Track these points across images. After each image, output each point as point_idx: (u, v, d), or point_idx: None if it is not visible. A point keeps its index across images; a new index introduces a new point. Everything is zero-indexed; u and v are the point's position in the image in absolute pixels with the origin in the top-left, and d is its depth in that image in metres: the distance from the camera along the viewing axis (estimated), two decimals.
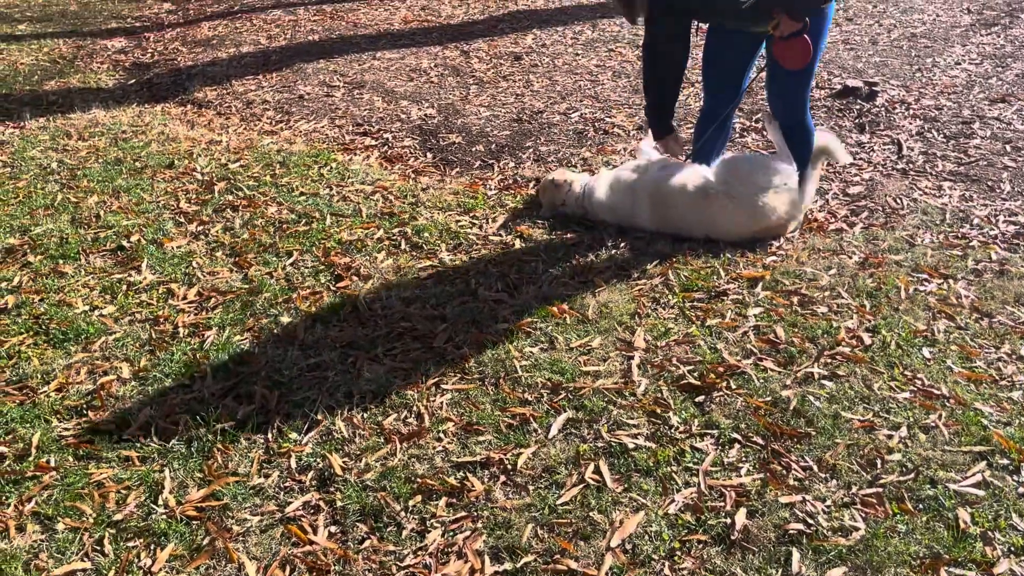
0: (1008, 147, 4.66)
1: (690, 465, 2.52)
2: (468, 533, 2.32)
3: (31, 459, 2.61)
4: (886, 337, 3.07)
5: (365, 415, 2.78)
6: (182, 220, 4.13)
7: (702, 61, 3.84)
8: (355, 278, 3.58)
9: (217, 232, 4.00)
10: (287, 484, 2.51)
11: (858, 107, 5.33)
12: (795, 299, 3.33)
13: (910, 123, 5.08)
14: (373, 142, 5.20)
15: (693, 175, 3.79)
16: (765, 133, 4.09)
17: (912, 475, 2.45)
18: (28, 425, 2.76)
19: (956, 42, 6.62)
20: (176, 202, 4.33)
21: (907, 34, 6.89)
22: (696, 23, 3.70)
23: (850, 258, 3.62)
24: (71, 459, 2.62)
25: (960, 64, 6.11)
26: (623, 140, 5.03)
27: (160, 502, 2.44)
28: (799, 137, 3.84)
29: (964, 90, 5.57)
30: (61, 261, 3.76)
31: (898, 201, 4.12)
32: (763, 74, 3.81)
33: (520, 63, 6.67)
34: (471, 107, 5.71)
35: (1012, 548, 2.21)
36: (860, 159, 4.64)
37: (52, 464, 2.59)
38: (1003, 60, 6.13)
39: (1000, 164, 4.46)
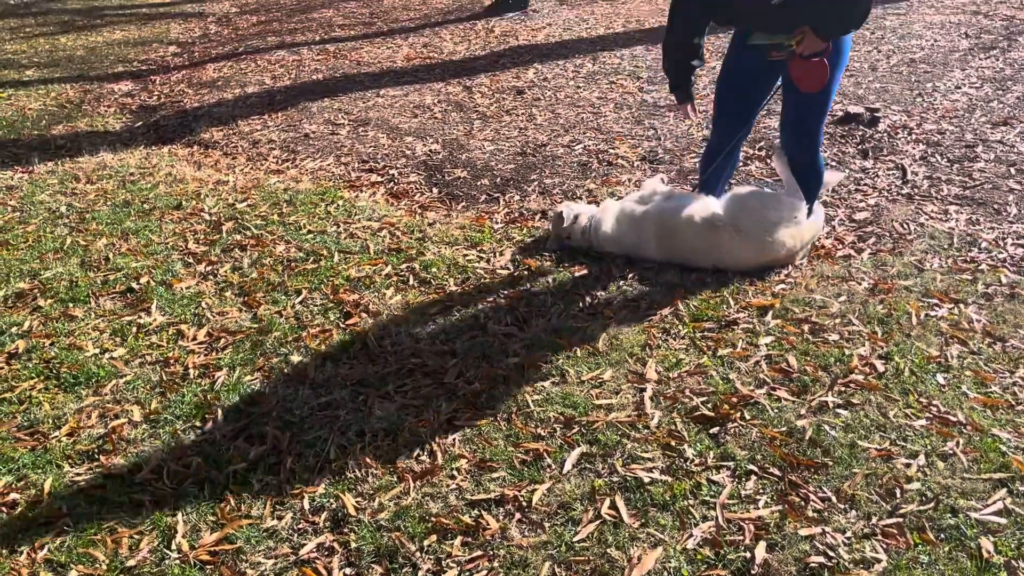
0: (1012, 170, 4.67)
1: (707, 498, 2.49)
2: (485, 573, 2.29)
3: (43, 506, 2.60)
4: (899, 364, 3.05)
5: (377, 453, 2.76)
6: (191, 261, 4.15)
7: (715, 91, 3.86)
8: (364, 315, 3.58)
9: (226, 272, 4.02)
10: (300, 526, 2.49)
11: (860, 133, 5.35)
12: (806, 327, 3.32)
13: (913, 148, 5.10)
14: (379, 179, 5.23)
15: (700, 207, 3.79)
16: (771, 163, 4.10)
17: (932, 504, 2.42)
18: (40, 471, 2.75)
19: (955, 66, 6.66)
20: (184, 243, 4.35)
21: (906, 60, 6.94)
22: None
23: (859, 284, 3.61)
24: (83, 505, 2.60)
25: (960, 88, 6.14)
26: (627, 171, 5.05)
27: (173, 547, 2.42)
28: (809, 175, 3.80)
29: (966, 114, 5.59)
30: (71, 304, 3.77)
31: (905, 226, 4.12)
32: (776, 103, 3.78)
33: (523, 97, 6.73)
34: (475, 142, 5.75)
35: None
36: (865, 185, 4.65)
37: (64, 510, 2.58)
38: (1003, 83, 6.17)
39: (1005, 187, 4.46)
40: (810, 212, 3.81)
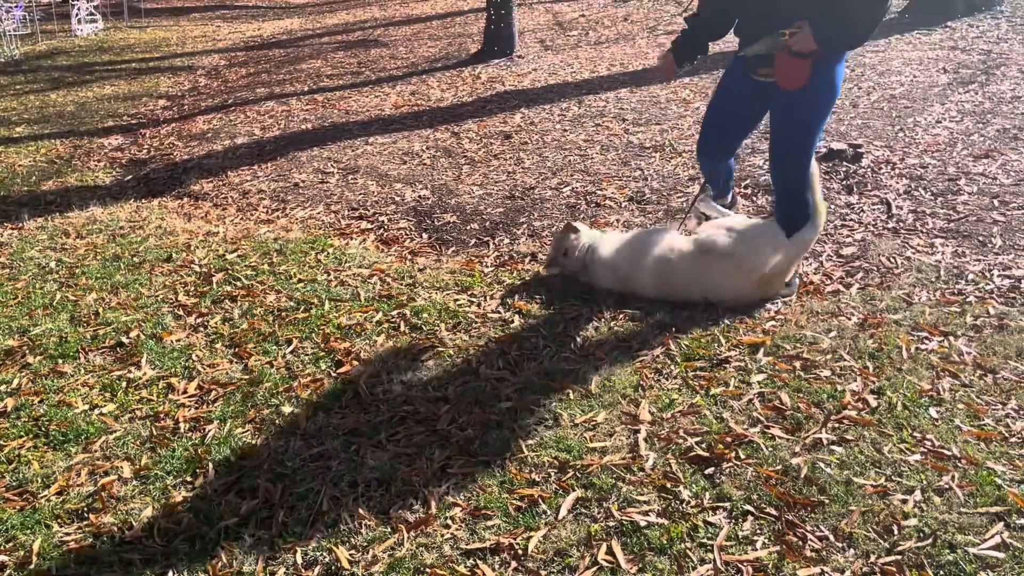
0: (996, 201, 4.72)
1: (704, 541, 2.47)
2: None
3: (32, 567, 2.55)
4: (892, 398, 3.05)
5: (370, 504, 2.73)
6: (181, 313, 4.14)
7: (704, 117, 3.99)
8: (356, 363, 3.57)
9: (216, 323, 4.01)
10: None
11: (844, 169, 5.42)
12: (797, 363, 3.32)
13: (897, 182, 5.15)
14: (369, 225, 5.26)
15: (700, 240, 3.85)
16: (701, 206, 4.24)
17: (930, 540, 2.40)
18: (29, 531, 2.71)
19: (935, 101, 6.77)
20: (175, 295, 4.35)
21: (886, 96, 7.05)
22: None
23: (849, 319, 3.63)
24: (73, 565, 2.56)
25: (941, 122, 6.23)
26: (615, 212, 5.09)
27: None
28: (794, 207, 3.76)
29: (947, 147, 5.67)
30: (60, 360, 3.75)
31: (892, 260, 4.15)
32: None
33: (510, 141, 6.80)
34: (464, 186, 5.79)
35: None
36: (851, 220, 4.69)
37: (54, 572, 2.53)
38: (983, 116, 6.26)
39: (989, 219, 4.51)
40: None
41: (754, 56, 3.56)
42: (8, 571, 2.55)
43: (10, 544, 2.66)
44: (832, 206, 4.89)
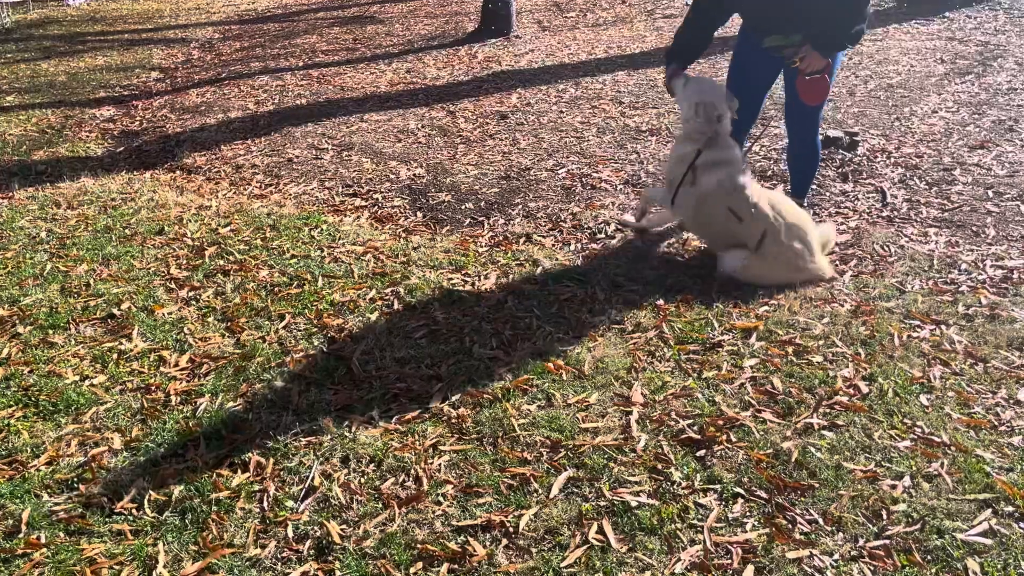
0: (990, 192, 4.73)
1: (694, 522, 2.49)
2: None
3: (21, 536, 2.54)
4: (883, 385, 3.06)
5: (362, 480, 2.74)
6: (173, 286, 4.12)
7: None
8: (348, 339, 3.56)
9: (208, 297, 3.99)
10: (284, 554, 2.46)
11: (840, 157, 5.42)
12: (790, 349, 3.33)
13: (892, 171, 5.16)
14: (363, 203, 5.23)
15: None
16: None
17: (918, 525, 2.42)
18: (18, 500, 2.70)
19: (932, 91, 6.77)
20: (166, 268, 4.32)
21: (883, 85, 7.04)
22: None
23: (842, 306, 3.64)
24: (62, 535, 2.55)
25: (937, 112, 6.24)
26: (610, 194, 5.08)
27: None
28: (807, 161, 4.29)
29: (943, 138, 5.68)
30: (51, 331, 3.73)
31: (886, 248, 4.16)
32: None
33: (506, 122, 6.77)
34: (459, 166, 5.77)
35: None
36: (845, 208, 4.70)
37: (43, 540, 2.53)
38: (979, 107, 6.27)
39: (983, 209, 4.52)
40: (802, 203, 4.18)
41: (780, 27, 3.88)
42: None
43: None
44: (827, 193, 4.90)
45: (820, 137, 5.60)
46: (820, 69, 3.77)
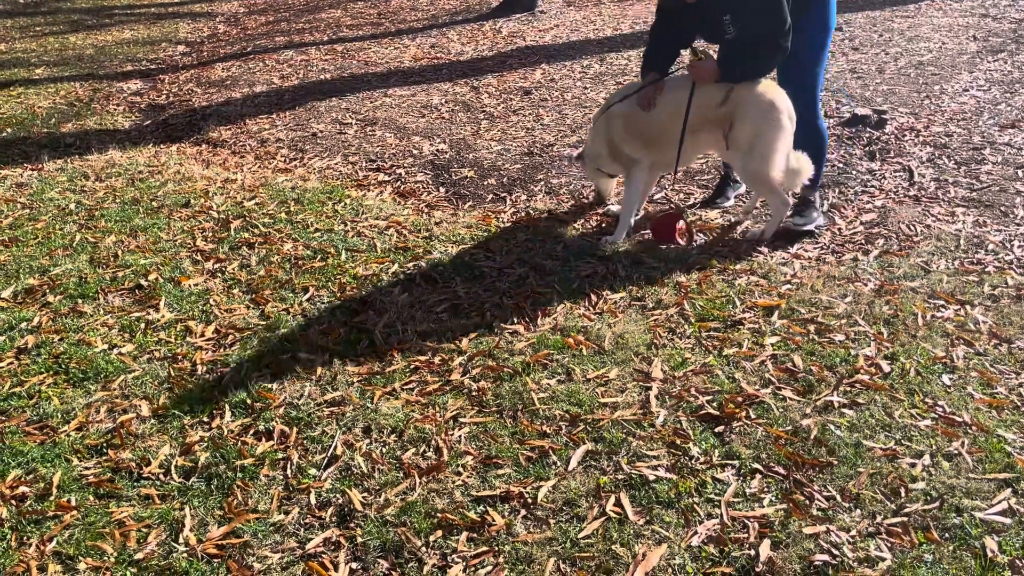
0: (1020, 172, 4.66)
1: (712, 496, 2.50)
2: (490, 568, 2.30)
3: (52, 499, 2.62)
4: (905, 364, 3.05)
5: (384, 449, 2.78)
6: (199, 258, 4.17)
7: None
8: (371, 312, 3.60)
9: (234, 269, 4.04)
10: (307, 520, 2.51)
11: (868, 135, 5.35)
12: (812, 327, 3.32)
13: (920, 150, 5.09)
14: (386, 178, 5.25)
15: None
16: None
17: (937, 503, 2.42)
18: (49, 464, 2.77)
19: (963, 69, 6.66)
20: (193, 240, 4.37)
21: (914, 62, 6.93)
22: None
23: (865, 285, 3.61)
24: (92, 498, 2.62)
25: (968, 91, 6.13)
26: None
27: (181, 540, 2.44)
28: (812, 137, 4.01)
29: (973, 116, 5.59)
30: (80, 301, 3.80)
31: (912, 228, 4.12)
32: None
33: (530, 97, 6.75)
34: (482, 142, 5.77)
35: None
36: (872, 186, 4.65)
37: (73, 503, 2.60)
38: (1011, 86, 6.16)
39: (1012, 189, 4.46)
40: (806, 205, 4.05)
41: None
42: (29, 502, 2.61)
43: (31, 476, 2.72)
44: (853, 172, 4.85)
45: (848, 115, 5.55)
46: (704, 79, 3.85)
